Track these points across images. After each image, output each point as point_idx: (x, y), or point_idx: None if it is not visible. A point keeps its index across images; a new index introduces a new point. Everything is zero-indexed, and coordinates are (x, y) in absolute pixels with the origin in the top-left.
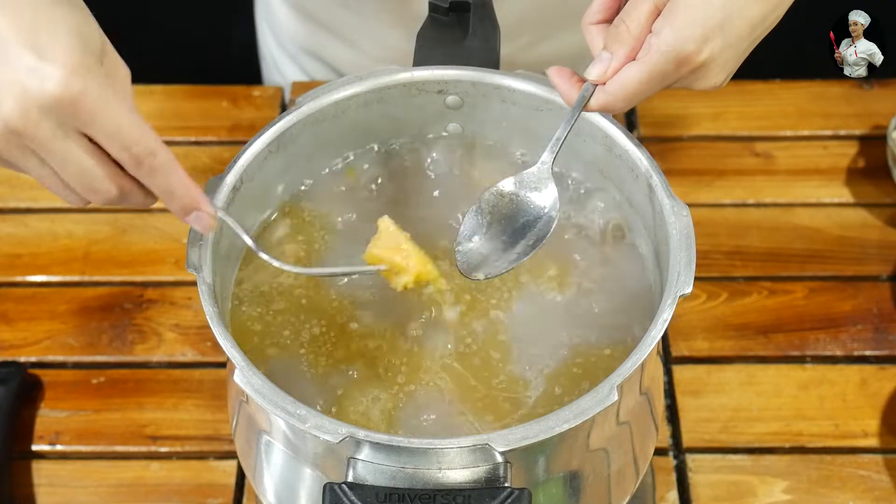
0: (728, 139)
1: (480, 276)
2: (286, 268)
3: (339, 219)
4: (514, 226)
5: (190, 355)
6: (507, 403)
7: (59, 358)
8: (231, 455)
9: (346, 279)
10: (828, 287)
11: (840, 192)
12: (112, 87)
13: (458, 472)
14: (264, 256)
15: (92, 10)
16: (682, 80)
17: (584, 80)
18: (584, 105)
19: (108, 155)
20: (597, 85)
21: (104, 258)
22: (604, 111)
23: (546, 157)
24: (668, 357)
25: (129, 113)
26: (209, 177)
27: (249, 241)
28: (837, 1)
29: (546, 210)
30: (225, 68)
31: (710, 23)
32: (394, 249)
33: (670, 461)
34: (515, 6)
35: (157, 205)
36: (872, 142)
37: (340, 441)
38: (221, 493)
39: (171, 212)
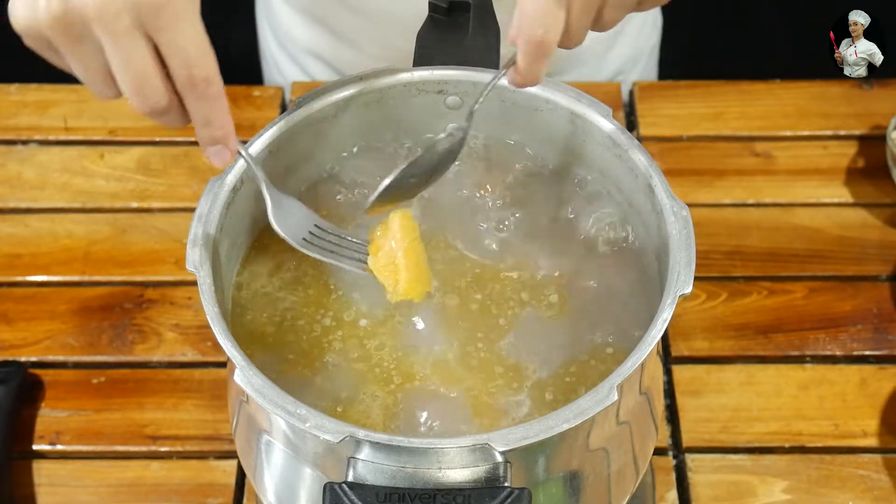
0: (728, 139)
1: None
2: (291, 242)
3: (339, 219)
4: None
5: (190, 355)
6: (506, 403)
7: (60, 358)
8: (231, 455)
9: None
10: (828, 287)
11: (840, 192)
12: (192, 1)
13: (458, 471)
14: (273, 222)
15: None
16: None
17: None
18: (509, 64)
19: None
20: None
21: (104, 258)
22: (532, 58)
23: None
24: (667, 357)
25: (200, 33)
26: (209, 177)
27: (265, 188)
28: (837, 1)
29: (452, 147)
30: (225, 68)
31: None
32: (389, 268)
33: (670, 461)
34: (515, 6)
35: (157, 205)
36: (872, 142)
37: (341, 441)
38: (221, 492)
39: (197, 138)
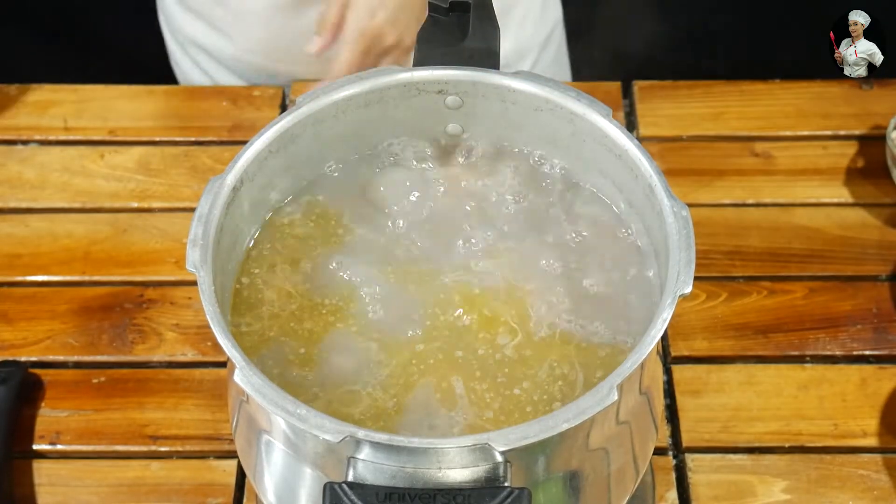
0: (728, 139)
1: None
2: None
3: (340, 219)
4: None
5: (190, 355)
6: (504, 403)
7: (60, 357)
8: (231, 455)
9: None
10: (827, 287)
11: (840, 192)
12: None
13: (458, 471)
14: None
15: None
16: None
17: None
18: None
19: None
20: None
21: (104, 258)
22: None
23: None
24: (667, 357)
25: None
26: (209, 177)
27: None
28: (837, 1)
29: None
30: None
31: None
32: None
33: (670, 461)
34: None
35: (157, 204)
36: (872, 142)
37: (341, 441)
38: (221, 492)
39: None
